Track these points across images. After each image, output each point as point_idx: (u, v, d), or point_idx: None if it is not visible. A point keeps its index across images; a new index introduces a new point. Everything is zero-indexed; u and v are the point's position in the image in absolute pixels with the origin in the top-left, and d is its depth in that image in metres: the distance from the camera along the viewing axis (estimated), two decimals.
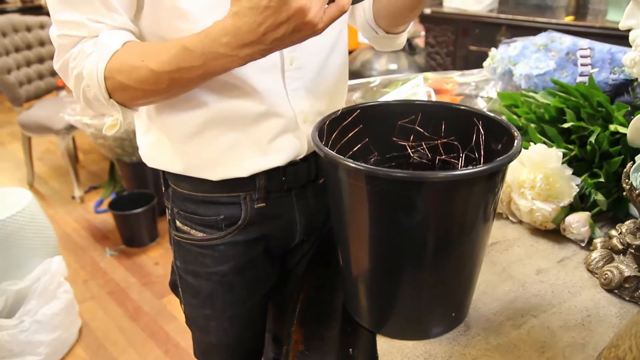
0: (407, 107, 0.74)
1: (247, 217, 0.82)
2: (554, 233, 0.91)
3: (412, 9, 0.83)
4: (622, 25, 0.95)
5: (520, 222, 0.95)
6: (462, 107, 0.72)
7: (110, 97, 0.68)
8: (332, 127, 0.70)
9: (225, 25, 0.60)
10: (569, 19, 2.37)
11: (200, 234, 0.83)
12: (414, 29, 2.94)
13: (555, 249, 0.88)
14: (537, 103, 1.09)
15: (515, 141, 0.61)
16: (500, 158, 0.57)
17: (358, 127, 0.73)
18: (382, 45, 0.96)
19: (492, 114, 0.68)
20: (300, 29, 0.59)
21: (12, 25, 3.09)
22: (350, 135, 0.72)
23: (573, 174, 0.91)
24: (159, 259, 2.50)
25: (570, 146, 1.00)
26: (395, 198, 0.58)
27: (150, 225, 2.58)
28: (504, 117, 0.67)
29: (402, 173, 0.55)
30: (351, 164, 0.57)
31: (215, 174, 0.78)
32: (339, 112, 0.71)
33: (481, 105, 1.23)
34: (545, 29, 2.34)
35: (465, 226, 0.62)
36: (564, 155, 0.95)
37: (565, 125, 0.98)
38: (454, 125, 0.73)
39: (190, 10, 0.68)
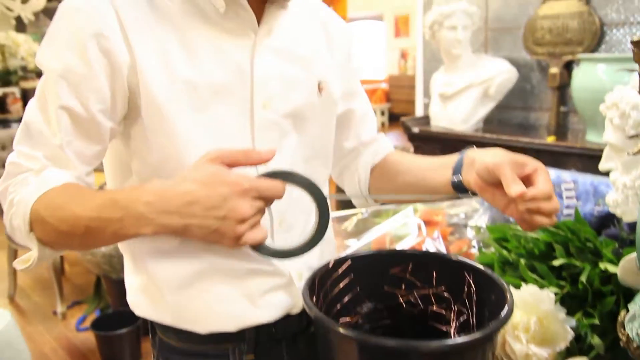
0: (398, 257, 0.74)
1: None
2: None
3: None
4: (602, 168, 0.99)
5: None
6: (453, 259, 0.72)
7: (31, 230, 0.67)
8: (323, 280, 0.69)
9: (157, 186, 0.61)
10: (550, 139, 2.47)
11: None
12: (402, 146, 3.05)
13: None
14: (526, 237, 1.10)
15: (507, 304, 0.60)
16: (492, 324, 0.56)
17: (349, 277, 0.72)
18: (362, 205, 0.99)
19: (482, 267, 0.68)
20: (223, 233, 0.58)
21: (12, 137, 3.16)
22: (341, 285, 0.72)
23: (567, 312, 0.90)
24: None
25: (561, 282, 0.99)
26: None
27: (134, 346, 2.47)
28: (494, 273, 0.67)
29: (394, 342, 0.54)
30: (342, 331, 0.56)
31: (203, 328, 0.76)
32: (330, 265, 0.70)
33: (470, 235, 1.24)
34: (529, 149, 2.44)
35: None
36: (556, 293, 0.95)
37: (556, 263, 0.98)
38: (445, 275, 0.73)
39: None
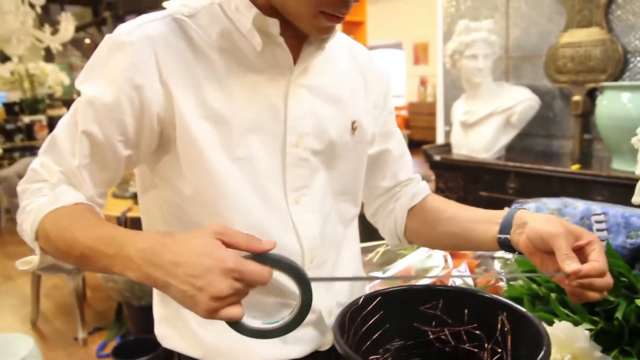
0: (429, 293, 0.73)
1: None
2: None
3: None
4: (635, 201, 0.97)
5: None
6: (486, 296, 0.70)
7: (36, 239, 0.70)
8: (353, 317, 0.68)
9: (154, 237, 0.62)
10: (575, 167, 2.43)
11: None
12: (424, 173, 3.04)
13: None
14: None
15: (544, 345, 0.58)
16: None
17: (379, 313, 0.71)
18: (395, 246, 0.99)
19: (516, 306, 0.67)
20: (197, 302, 0.57)
21: None
22: (371, 322, 0.71)
23: (602, 350, 0.87)
24: None
25: (595, 318, 0.96)
26: None
27: None
28: (528, 312, 0.65)
29: None
30: None
31: None
32: (360, 301, 0.70)
33: (497, 268, 1.21)
34: (553, 177, 2.41)
35: None
36: (590, 329, 0.92)
37: None
38: (476, 312, 0.71)
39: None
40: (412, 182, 0.97)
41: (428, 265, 1.17)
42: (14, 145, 5.50)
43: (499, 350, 0.67)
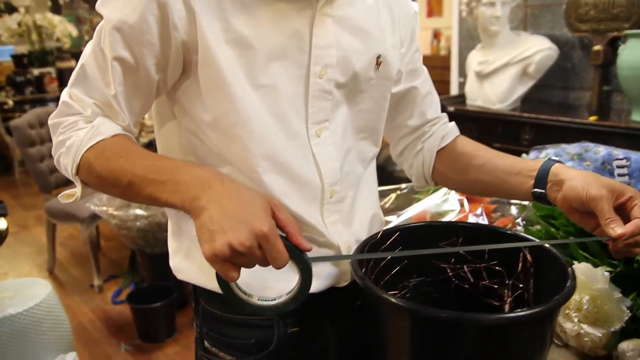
0: (449, 229, 0.72)
1: (279, 342, 0.78)
2: None
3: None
4: None
5: (567, 345, 0.89)
6: (508, 232, 0.69)
7: (77, 173, 0.70)
8: (371, 251, 0.68)
9: (212, 169, 0.63)
10: (592, 119, 2.38)
11: (229, 357, 0.79)
12: None
13: None
14: None
15: (569, 279, 0.57)
16: (555, 299, 0.53)
17: (397, 249, 0.70)
18: (421, 187, 0.97)
19: (538, 241, 0.65)
20: (212, 238, 0.57)
21: (50, 115, 3.22)
22: (389, 258, 0.70)
23: (621, 292, 0.86)
24: (175, 356, 2.41)
25: (614, 261, 0.95)
26: (439, 337, 0.55)
27: (169, 320, 2.51)
28: (552, 248, 0.64)
29: (449, 314, 0.52)
30: (394, 300, 0.54)
31: None
32: (379, 236, 0.69)
33: (514, 212, 1.20)
34: (570, 128, 2.36)
35: None
36: (609, 272, 0.91)
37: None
38: (497, 250, 0.70)
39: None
40: (440, 122, 0.94)
41: (444, 209, 1.15)
42: (24, 98, 5.48)
43: (520, 285, 0.66)
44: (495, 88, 2.74)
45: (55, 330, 1.91)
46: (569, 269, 0.59)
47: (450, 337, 0.54)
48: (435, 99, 0.95)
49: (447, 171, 0.90)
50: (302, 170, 0.74)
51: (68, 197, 0.75)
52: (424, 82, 0.93)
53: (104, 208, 2.54)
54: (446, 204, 1.17)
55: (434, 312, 0.53)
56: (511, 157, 0.86)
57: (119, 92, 0.70)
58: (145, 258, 2.67)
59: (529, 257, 0.65)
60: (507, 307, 0.67)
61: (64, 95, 0.74)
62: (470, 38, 3.10)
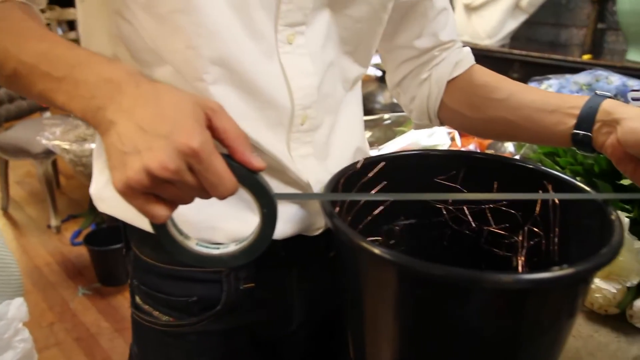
0: (447, 160, 0.56)
1: (229, 301, 0.62)
2: (617, 320, 0.72)
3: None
4: None
5: None
6: (525, 165, 0.54)
7: None
8: (348, 185, 0.52)
9: (127, 68, 0.44)
10: (586, 57, 2.25)
11: (164, 317, 0.63)
12: None
13: (622, 342, 0.69)
14: None
15: (615, 231, 0.42)
16: (595, 257, 0.39)
17: (382, 184, 0.55)
18: (422, 127, 0.78)
19: (569, 178, 0.50)
20: (124, 162, 0.40)
21: None
22: (371, 193, 0.54)
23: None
24: None
25: (627, 206, 0.83)
26: (437, 300, 0.40)
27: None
28: (586, 187, 0.49)
29: (445, 271, 0.36)
30: (376, 251, 0.39)
31: None
32: (358, 166, 0.53)
33: (511, 149, 1.05)
34: (562, 67, 2.22)
35: (534, 336, 0.43)
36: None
37: (625, 182, 0.81)
38: (509, 186, 0.54)
39: None
40: (454, 46, 0.74)
41: (431, 143, 0.99)
42: None
43: (537, 231, 0.52)
44: (484, 22, 2.58)
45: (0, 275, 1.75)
46: (613, 215, 0.44)
47: (453, 300, 0.39)
48: (450, 19, 0.75)
49: (459, 107, 0.70)
50: (265, 84, 0.55)
51: None
52: None
53: (57, 142, 2.32)
54: (434, 138, 1.01)
55: (427, 268, 0.37)
56: (542, 91, 0.67)
57: None
58: None
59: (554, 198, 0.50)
60: (520, 260, 0.52)
61: None
62: None
